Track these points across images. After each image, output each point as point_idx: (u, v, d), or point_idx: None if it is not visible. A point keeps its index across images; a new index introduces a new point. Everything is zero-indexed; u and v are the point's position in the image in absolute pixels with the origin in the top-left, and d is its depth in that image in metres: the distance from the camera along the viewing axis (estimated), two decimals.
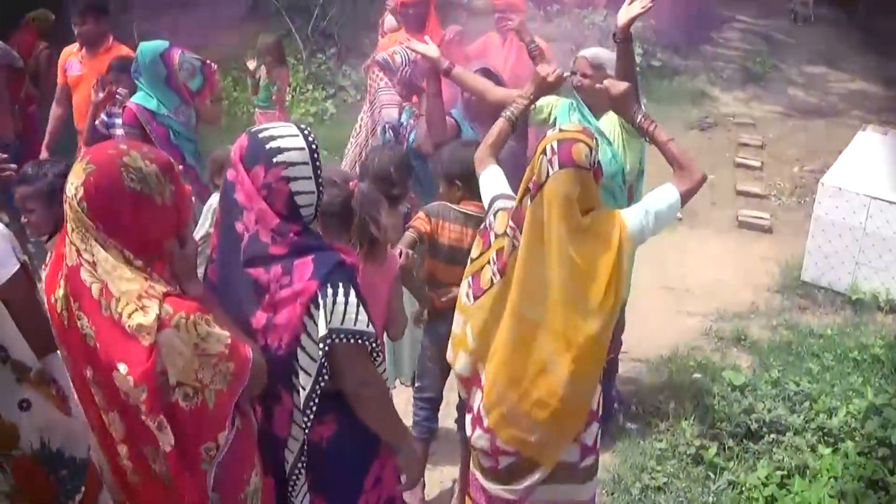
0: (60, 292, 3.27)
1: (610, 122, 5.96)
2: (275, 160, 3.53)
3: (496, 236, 4.36)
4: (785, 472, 5.98)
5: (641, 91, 13.24)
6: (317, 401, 3.56)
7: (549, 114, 6.14)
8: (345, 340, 3.51)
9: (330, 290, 3.52)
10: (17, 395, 3.77)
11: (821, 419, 6.47)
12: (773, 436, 6.37)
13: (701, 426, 6.50)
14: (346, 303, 3.53)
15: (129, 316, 3.07)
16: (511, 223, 4.24)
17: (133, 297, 3.09)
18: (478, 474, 4.56)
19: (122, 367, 3.08)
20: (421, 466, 5.67)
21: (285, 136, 3.56)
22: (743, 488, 5.89)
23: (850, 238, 8.85)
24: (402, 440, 4.11)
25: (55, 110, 8.69)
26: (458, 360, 4.48)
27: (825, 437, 6.35)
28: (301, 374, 3.55)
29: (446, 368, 5.36)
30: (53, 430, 3.93)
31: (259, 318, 3.53)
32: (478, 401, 4.41)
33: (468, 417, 4.52)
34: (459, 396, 5.53)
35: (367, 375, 3.66)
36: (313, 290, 3.50)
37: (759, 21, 18.31)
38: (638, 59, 15.17)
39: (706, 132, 13.66)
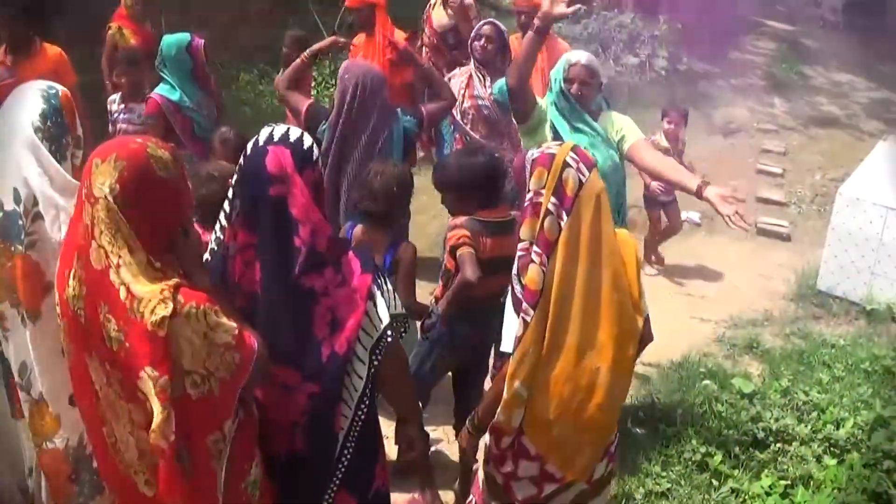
0: (72, 292, 3.31)
1: (606, 124, 6.07)
2: (314, 157, 3.60)
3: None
4: (789, 482, 5.98)
5: (663, 94, 13.31)
6: (370, 389, 3.69)
7: (542, 119, 6.05)
8: (398, 324, 3.70)
9: (380, 280, 3.67)
10: (70, 391, 3.76)
11: (828, 430, 6.46)
12: (779, 445, 6.37)
13: (708, 433, 6.48)
14: (392, 289, 3.71)
15: (152, 312, 3.11)
16: (536, 249, 4.06)
17: (155, 296, 3.13)
18: None
19: (149, 369, 3.14)
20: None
21: (298, 133, 3.62)
22: (746, 497, 5.88)
23: (867, 248, 8.83)
24: (416, 412, 4.26)
25: None
26: (514, 418, 4.19)
27: (831, 448, 6.34)
28: (357, 364, 3.64)
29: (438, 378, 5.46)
30: None
31: (320, 326, 3.57)
32: (515, 437, 4.27)
33: (506, 455, 4.34)
34: (458, 404, 5.57)
35: (398, 348, 3.78)
36: (369, 282, 3.61)
37: (787, 27, 18.26)
38: (663, 63, 15.17)
39: (728, 138, 13.64)
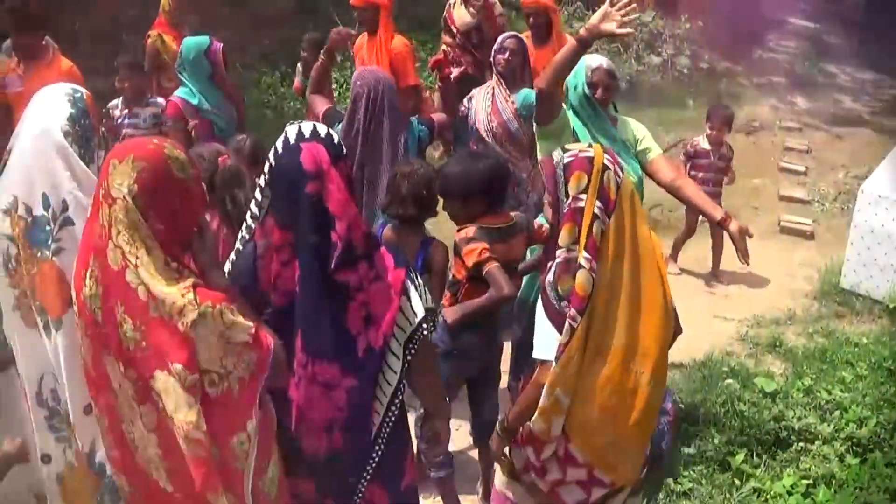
0: (88, 291, 3.33)
1: (624, 131, 6.09)
2: (344, 152, 3.63)
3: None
4: (811, 481, 5.95)
5: (686, 93, 13.29)
6: (404, 385, 3.73)
7: (565, 124, 5.94)
8: (431, 319, 3.74)
9: (413, 275, 3.72)
10: (86, 400, 3.77)
11: (851, 428, 6.42)
12: (801, 444, 6.35)
13: (730, 432, 6.46)
14: (422, 283, 3.76)
15: (181, 314, 3.16)
16: (585, 254, 3.98)
17: (178, 297, 3.17)
18: None
19: (178, 367, 3.18)
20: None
21: (325, 128, 3.65)
22: (768, 496, 5.86)
23: (890, 245, 8.77)
24: (444, 407, 4.33)
25: None
26: (554, 426, 4.14)
27: (854, 447, 6.32)
28: (391, 359, 3.68)
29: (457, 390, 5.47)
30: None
31: (354, 321, 3.60)
32: (559, 445, 4.22)
33: (551, 464, 4.30)
34: (475, 418, 5.53)
35: (428, 343, 3.83)
36: (403, 277, 3.66)
37: (810, 25, 18.20)
38: (685, 62, 15.15)
39: (752, 136, 13.62)
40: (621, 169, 4.08)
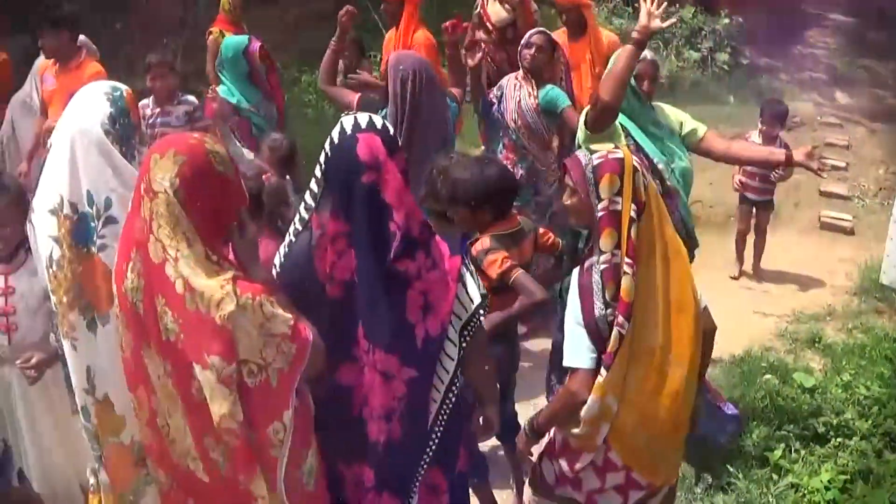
0: (130, 284, 3.40)
1: (664, 119, 6.13)
2: (399, 143, 3.70)
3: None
4: (848, 477, 5.94)
5: (726, 89, 13.29)
6: (460, 370, 3.79)
7: (614, 129, 5.89)
8: (484, 306, 3.79)
9: (467, 261, 3.79)
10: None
11: (888, 424, 6.41)
12: (839, 439, 6.33)
13: (768, 427, 6.47)
14: (473, 271, 3.81)
15: (218, 306, 3.21)
16: (627, 260, 4.00)
17: (216, 290, 3.22)
18: None
19: (215, 359, 3.23)
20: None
21: (380, 119, 3.70)
22: (805, 491, 5.86)
23: None
24: (495, 392, 4.41)
25: (38, 122, 8.23)
26: (601, 433, 4.15)
27: (892, 443, 6.31)
28: (448, 346, 3.74)
29: None
30: None
31: (413, 310, 3.66)
32: (598, 454, 4.25)
33: (587, 474, 4.33)
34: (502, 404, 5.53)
35: (481, 329, 3.88)
36: (459, 265, 3.72)
37: (849, 20, 18.09)
38: (725, 58, 15.12)
39: (792, 131, 13.53)
40: (647, 170, 4.15)
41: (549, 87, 7.58)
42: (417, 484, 3.89)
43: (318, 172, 3.67)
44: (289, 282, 3.72)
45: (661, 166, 5.90)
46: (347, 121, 3.65)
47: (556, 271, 5.65)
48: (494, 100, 7.76)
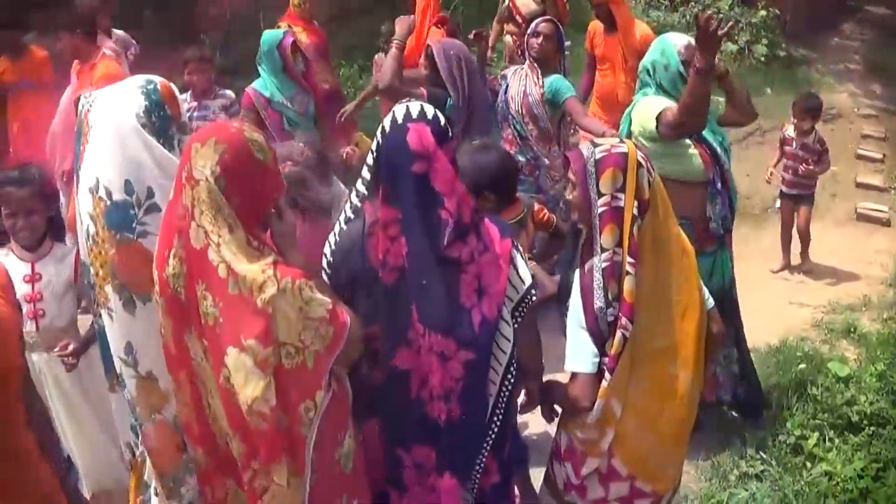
0: (172, 270, 3.47)
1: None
2: (450, 133, 3.75)
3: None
4: (881, 465, 5.96)
5: (766, 81, 13.25)
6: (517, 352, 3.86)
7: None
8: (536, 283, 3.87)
9: (517, 243, 3.84)
10: None
11: None
12: (872, 428, 6.35)
13: (803, 416, 6.50)
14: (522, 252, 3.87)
15: (261, 290, 3.28)
16: (629, 259, 3.90)
17: (258, 274, 3.30)
18: None
19: (252, 342, 3.30)
20: None
21: (432, 109, 3.76)
22: (838, 479, 5.87)
23: None
24: (540, 368, 4.45)
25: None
26: (607, 436, 4.08)
27: None
28: (504, 327, 3.80)
29: None
30: None
31: (468, 294, 3.73)
32: (602, 461, 4.17)
33: (591, 482, 4.24)
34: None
35: (534, 308, 3.95)
36: (509, 247, 3.78)
37: (886, 11, 17.99)
38: (762, 49, 15.09)
39: (829, 123, 13.50)
40: (652, 167, 4.00)
41: (554, 76, 7.49)
42: (481, 465, 3.95)
43: (370, 160, 3.75)
44: (340, 267, 3.83)
45: (719, 150, 5.91)
46: (399, 109, 3.71)
47: (554, 244, 5.76)
48: (498, 86, 7.74)
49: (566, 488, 4.34)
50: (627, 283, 3.90)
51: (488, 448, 3.91)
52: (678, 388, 4.04)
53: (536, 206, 5.66)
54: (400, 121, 3.66)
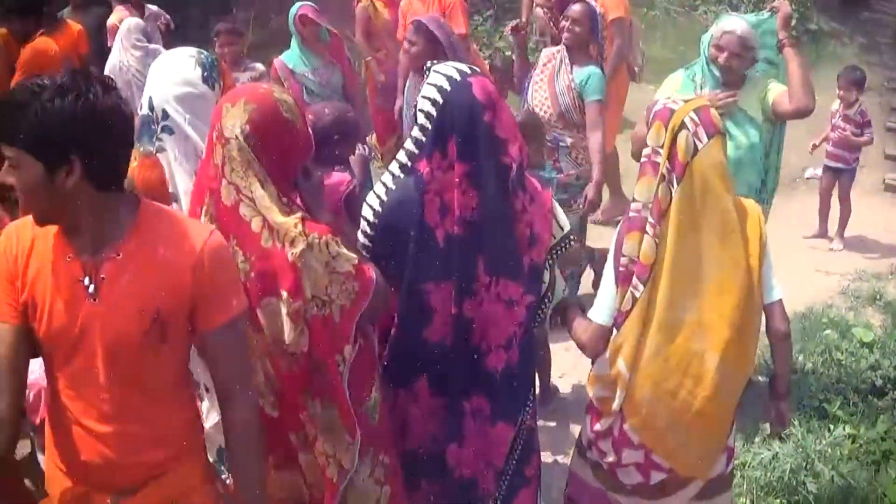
0: None
1: (750, 98, 5.75)
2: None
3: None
4: None
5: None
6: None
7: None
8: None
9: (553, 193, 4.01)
10: None
11: None
12: None
13: (827, 380, 6.57)
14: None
15: (292, 244, 3.38)
16: (650, 218, 3.80)
17: (290, 227, 3.39)
18: (611, 493, 4.27)
19: (285, 294, 3.40)
20: None
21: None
22: (862, 441, 5.92)
23: None
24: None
25: None
26: (618, 397, 3.96)
27: None
28: (545, 272, 4.06)
29: None
30: None
31: (522, 242, 3.89)
32: (615, 423, 4.07)
33: (605, 443, 4.14)
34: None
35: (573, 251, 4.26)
36: (549, 197, 3.99)
37: None
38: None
39: None
40: (710, 135, 3.79)
41: (590, 70, 6.90)
42: (529, 410, 4.11)
43: (423, 121, 3.80)
44: (389, 224, 3.88)
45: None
46: (446, 70, 3.82)
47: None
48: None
49: (588, 445, 4.30)
50: (645, 245, 3.81)
51: (532, 393, 4.11)
52: (704, 367, 3.84)
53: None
54: (459, 79, 3.76)
